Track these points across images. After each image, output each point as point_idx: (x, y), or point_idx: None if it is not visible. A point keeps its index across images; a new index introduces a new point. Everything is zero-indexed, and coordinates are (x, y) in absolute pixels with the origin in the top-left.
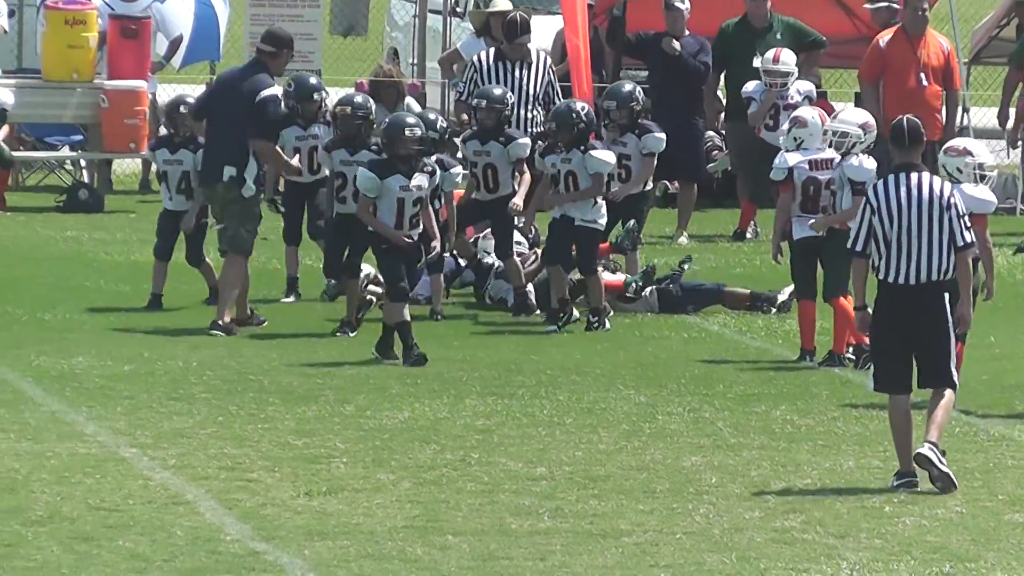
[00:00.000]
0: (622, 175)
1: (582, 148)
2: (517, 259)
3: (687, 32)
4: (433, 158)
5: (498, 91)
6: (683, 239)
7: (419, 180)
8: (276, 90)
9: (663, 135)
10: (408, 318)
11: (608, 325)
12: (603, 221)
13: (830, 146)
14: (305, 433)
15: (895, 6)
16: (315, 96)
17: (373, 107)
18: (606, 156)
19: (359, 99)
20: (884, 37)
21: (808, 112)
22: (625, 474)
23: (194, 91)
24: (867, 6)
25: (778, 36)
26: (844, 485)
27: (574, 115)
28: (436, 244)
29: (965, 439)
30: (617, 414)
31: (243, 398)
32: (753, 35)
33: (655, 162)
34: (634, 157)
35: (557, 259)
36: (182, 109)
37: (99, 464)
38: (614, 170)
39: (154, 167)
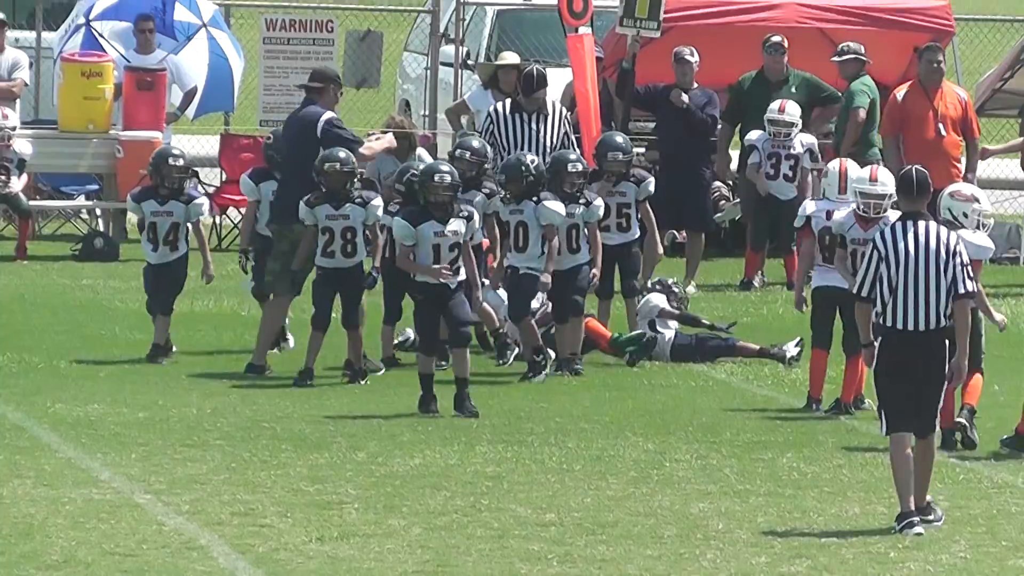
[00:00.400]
0: (622, 224)
1: (534, 200)
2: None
3: (695, 85)
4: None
5: (477, 143)
6: (691, 288)
7: (455, 225)
8: (332, 113)
9: (652, 178)
10: (433, 371)
11: (543, 375)
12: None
13: (882, 210)
14: (317, 479)
15: (862, 58)
16: (170, 161)
17: (354, 160)
18: (557, 207)
19: (343, 154)
20: (900, 91)
21: (833, 163)
22: (633, 520)
23: (208, 142)
24: (834, 59)
25: (793, 90)
26: (850, 531)
27: (523, 168)
28: (478, 293)
29: (969, 486)
30: (625, 461)
31: (256, 445)
32: (769, 89)
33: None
34: (634, 205)
35: (520, 313)
36: (171, 161)
37: (114, 510)
38: (612, 220)
39: (131, 217)
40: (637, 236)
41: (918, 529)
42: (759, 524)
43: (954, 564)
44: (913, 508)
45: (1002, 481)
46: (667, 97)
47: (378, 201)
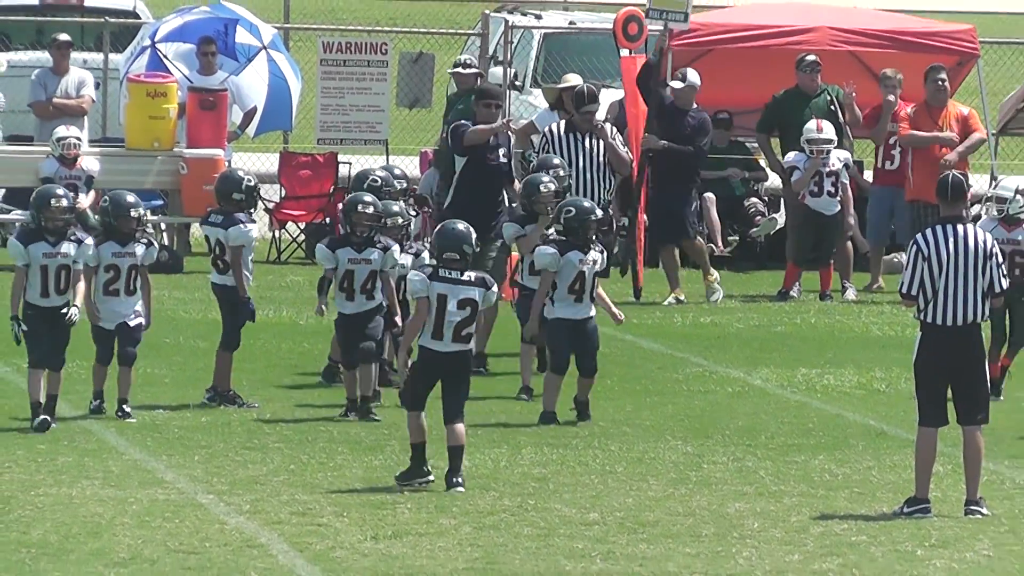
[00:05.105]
0: None
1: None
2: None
3: (695, 105)
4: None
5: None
6: (671, 299)
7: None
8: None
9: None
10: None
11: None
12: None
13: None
14: (372, 481)
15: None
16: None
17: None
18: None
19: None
20: (908, 108)
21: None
22: (673, 520)
23: (267, 159)
24: (451, 71)
25: (828, 98)
26: (879, 530)
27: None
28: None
29: (992, 487)
30: (665, 463)
31: (314, 448)
32: (806, 100)
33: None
34: None
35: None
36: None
37: (178, 509)
38: None
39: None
40: None
41: (928, 515)
42: (792, 523)
43: (978, 562)
44: (928, 496)
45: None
46: (663, 106)
47: (396, 247)
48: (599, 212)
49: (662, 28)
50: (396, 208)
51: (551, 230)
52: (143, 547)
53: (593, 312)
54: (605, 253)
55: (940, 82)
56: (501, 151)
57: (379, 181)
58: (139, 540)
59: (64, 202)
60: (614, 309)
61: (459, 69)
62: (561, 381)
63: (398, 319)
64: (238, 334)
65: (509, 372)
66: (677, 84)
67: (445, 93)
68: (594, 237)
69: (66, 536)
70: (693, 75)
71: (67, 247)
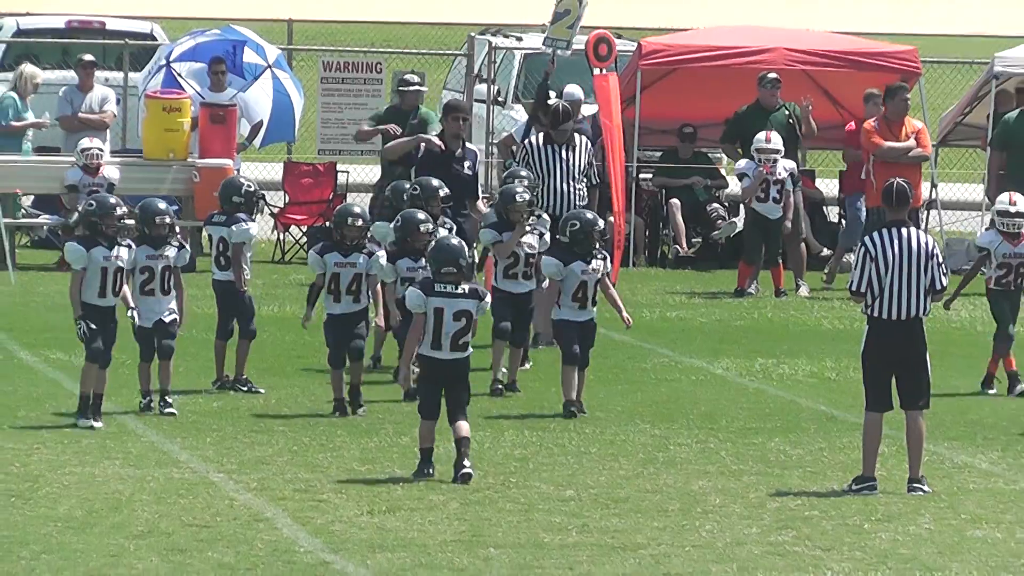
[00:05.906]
0: (528, 273)
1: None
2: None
3: (579, 116)
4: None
5: (358, 209)
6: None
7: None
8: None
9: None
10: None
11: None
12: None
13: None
14: (368, 460)
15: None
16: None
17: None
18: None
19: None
20: (872, 122)
21: None
22: (642, 496)
23: (272, 168)
24: (401, 89)
25: (786, 113)
26: (829, 506)
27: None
28: None
29: (933, 466)
30: (635, 445)
31: (315, 431)
32: (766, 115)
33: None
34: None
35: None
36: (118, 211)
37: (191, 487)
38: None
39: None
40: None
41: (875, 490)
42: (751, 499)
43: (919, 534)
44: (874, 475)
45: (962, 462)
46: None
47: (382, 253)
48: (602, 223)
49: (551, 53)
50: (421, 216)
51: (533, 232)
52: (160, 521)
53: (595, 314)
54: (608, 259)
55: (906, 100)
56: (466, 163)
57: (416, 189)
58: (156, 515)
59: (123, 210)
60: (624, 313)
61: (415, 87)
62: (575, 371)
63: (379, 320)
64: (251, 325)
65: (485, 368)
66: (553, 100)
67: (435, 107)
68: (597, 245)
69: (90, 511)
70: (572, 89)
71: (122, 252)
